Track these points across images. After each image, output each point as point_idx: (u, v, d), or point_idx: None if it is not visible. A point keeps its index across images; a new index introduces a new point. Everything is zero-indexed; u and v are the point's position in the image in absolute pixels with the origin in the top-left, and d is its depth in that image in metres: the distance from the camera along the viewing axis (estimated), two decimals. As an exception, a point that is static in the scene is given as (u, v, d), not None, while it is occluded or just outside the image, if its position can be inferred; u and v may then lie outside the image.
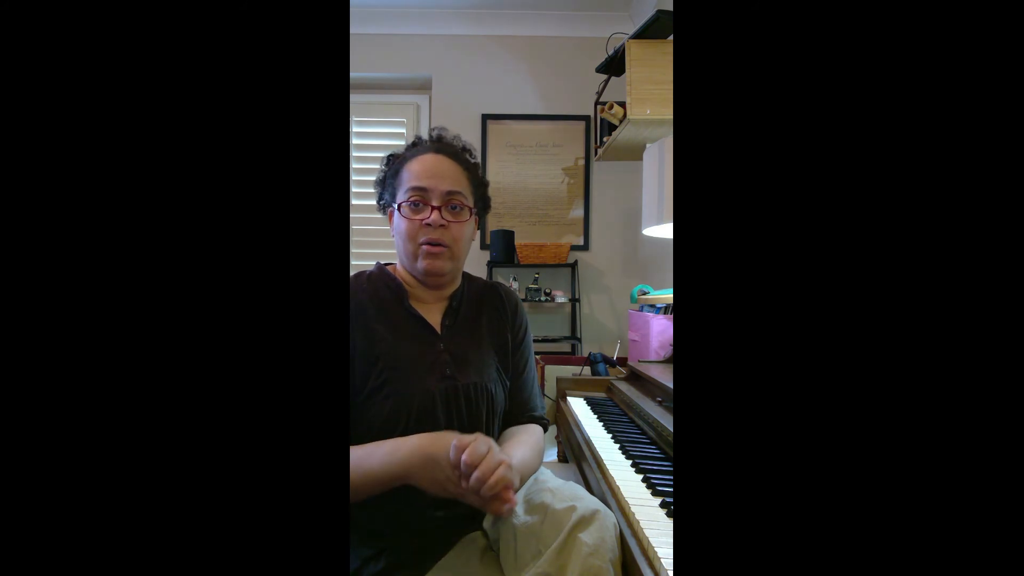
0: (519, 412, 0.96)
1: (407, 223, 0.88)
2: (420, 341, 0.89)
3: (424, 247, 0.87)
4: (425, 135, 0.97)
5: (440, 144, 0.94)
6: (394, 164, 0.94)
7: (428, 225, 0.86)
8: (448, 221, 0.87)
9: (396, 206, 0.90)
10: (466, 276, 0.99)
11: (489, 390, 0.90)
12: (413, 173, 0.88)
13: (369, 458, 0.76)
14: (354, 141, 3.11)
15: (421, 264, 0.88)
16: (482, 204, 0.96)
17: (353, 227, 3.01)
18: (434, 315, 0.92)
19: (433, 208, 0.87)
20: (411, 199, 0.87)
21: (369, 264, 0.96)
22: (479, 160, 0.99)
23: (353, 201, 3.05)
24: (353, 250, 3.02)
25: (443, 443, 0.73)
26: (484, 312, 0.96)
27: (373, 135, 3.15)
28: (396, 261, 0.97)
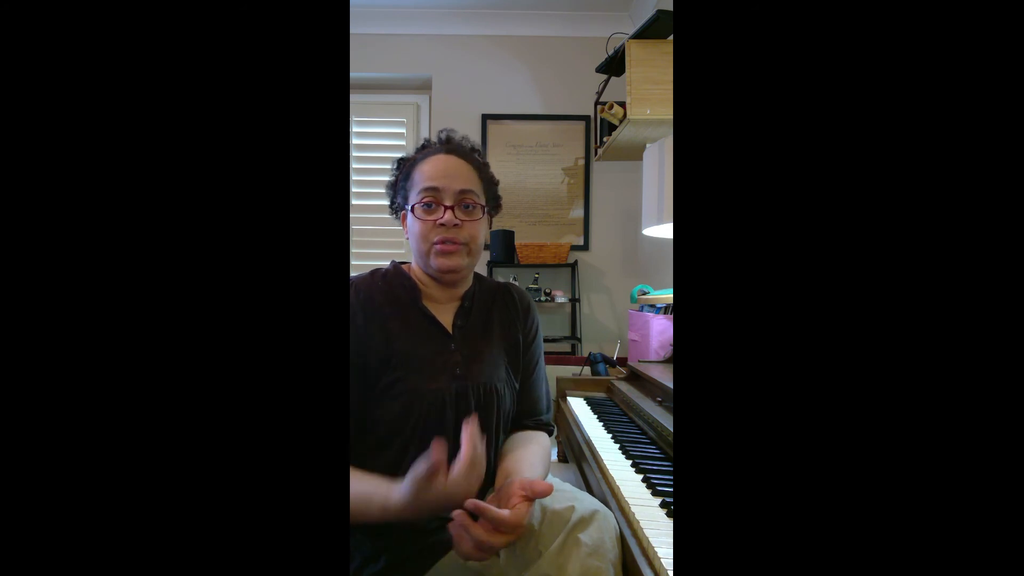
0: (526, 415, 0.97)
1: (421, 224, 0.88)
2: (432, 341, 0.89)
3: (438, 245, 0.87)
4: (427, 136, 0.97)
5: (450, 145, 0.94)
6: (405, 167, 0.94)
7: (442, 225, 0.87)
8: (462, 220, 0.88)
9: (409, 208, 0.90)
10: (477, 276, 1.00)
11: (499, 391, 0.90)
12: (425, 174, 0.89)
13: (368, 504, 0.72)
14: (354, 141, 3.11)
15: (435, 261, 0.88)
16: (493, 203, 0.97)
17: (353, 227, 3.01)
18: (446, 315, 0.93)
19: (446, 208, 0.87)
20: (424, 200, 0.88)
21: (370, 264, 0.96)
22: (487, 160, 0.99)
23: (353, 201, 3.05)
24: (354, 250, 3.02)
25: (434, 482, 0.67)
26: (496, 312, 0.97)
27: (373, 135, 3.15)
28: (409, 260, 0.97)
